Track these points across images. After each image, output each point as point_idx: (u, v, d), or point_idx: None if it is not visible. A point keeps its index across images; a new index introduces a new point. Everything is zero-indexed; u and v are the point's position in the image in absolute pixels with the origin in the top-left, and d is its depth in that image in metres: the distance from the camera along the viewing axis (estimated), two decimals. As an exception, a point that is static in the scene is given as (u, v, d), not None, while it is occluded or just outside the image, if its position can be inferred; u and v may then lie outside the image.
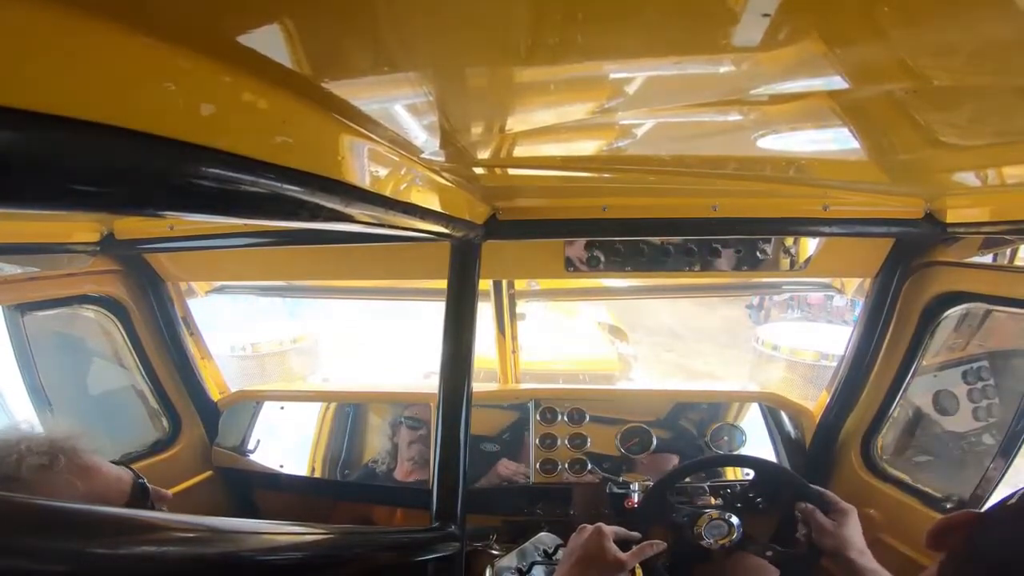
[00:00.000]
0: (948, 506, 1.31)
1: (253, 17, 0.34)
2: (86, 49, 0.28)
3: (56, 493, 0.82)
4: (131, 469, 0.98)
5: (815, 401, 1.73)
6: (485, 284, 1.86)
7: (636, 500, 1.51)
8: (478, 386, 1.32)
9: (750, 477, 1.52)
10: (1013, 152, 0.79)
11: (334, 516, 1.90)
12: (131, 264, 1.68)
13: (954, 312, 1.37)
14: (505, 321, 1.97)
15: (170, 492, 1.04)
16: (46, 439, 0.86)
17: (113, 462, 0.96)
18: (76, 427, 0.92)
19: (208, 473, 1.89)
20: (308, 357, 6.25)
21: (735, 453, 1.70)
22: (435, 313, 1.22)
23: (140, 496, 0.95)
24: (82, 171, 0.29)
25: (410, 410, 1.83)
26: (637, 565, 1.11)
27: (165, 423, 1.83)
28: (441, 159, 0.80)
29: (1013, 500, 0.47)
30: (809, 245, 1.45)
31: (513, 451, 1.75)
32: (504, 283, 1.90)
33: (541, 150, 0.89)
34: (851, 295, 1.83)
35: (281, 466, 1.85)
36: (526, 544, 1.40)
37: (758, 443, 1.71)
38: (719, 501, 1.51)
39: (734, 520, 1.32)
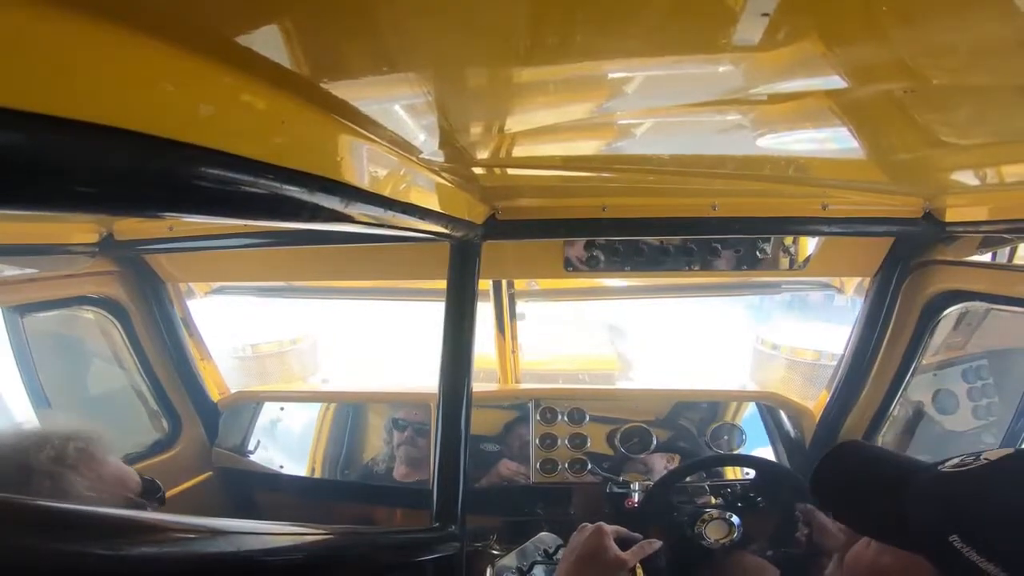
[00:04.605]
0: None
1: (252, 17, 0.35)
2: (86, 49, 0.28)
3: (76, 483, 0.84)
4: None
5: (815, 400, 1.73)
6: (485, 284, 1.86)
7: (636, 500, 1.51)
8: (478, 386, 1.32)
9: (750, 477, 1.52)
10: (1012, 151, 0.79)
11: (334, 516, 1.90)
12: (130, 265, 1.68)
13: (953, 311, 1.37)
14: (505, 321, 1.97)
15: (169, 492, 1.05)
16: (62, 433, 0.88)
17: None
18: (88, 424, 0.94)
19: (208, 473, 1.88)
20: (308, 358, 6.25)
21: (735, 453, 1.70)
22: (436, 313, 1.22)
23: (151, 488, 0.96)
24: (82, 171, 0.29)
25: (410, 410, 1.83)
26: (638, 564, 1.10)
27: (165, 424, 1.82)
28: (440, 159, 0.80)
29: None
30: (808, 244, 1.45)
31: (513, 451, 1.75)
32: (504, 283, 1.90)
33: (540, 150, 0.89)
34: (851, 294, 1.83)
35: (281, 467, 1.85)
36: (526, 544, 1.39)
37: (758, 442, 1.71)
38: (719, 501, 1.51)
39: (735, 519, 1.32)
